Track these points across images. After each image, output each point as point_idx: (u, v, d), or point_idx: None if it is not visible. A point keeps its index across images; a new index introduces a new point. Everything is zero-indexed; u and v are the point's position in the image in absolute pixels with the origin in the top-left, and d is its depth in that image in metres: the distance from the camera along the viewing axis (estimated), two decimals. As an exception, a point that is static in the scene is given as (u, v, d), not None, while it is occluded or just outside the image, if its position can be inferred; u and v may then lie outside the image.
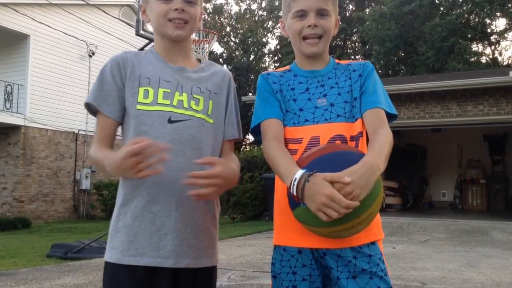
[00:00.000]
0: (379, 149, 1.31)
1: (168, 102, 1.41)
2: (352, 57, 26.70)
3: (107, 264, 1.40)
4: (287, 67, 1.57)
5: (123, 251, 1.36)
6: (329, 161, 1.24)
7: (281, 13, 1.56)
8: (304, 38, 1.45)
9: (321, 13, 1.43)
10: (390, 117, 1.47)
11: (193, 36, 7.35)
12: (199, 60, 1.59)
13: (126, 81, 1.43)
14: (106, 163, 1.33)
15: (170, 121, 1.39)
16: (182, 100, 1.42)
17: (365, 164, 1.22)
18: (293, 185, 1.22)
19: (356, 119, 1.43)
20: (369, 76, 1.47)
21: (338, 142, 1.39)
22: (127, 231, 1.37)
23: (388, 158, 1.32)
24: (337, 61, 1.55)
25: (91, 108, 1.49)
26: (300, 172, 1.23)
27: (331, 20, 1.45)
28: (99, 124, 1.48)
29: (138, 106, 1.41)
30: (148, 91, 1.42)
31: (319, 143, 1.39)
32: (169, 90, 1.42)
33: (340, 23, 1.59)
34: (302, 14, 1.44)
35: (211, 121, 1.46)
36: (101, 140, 1.47)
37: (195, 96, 1.45)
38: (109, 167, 1.31)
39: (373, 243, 1.39)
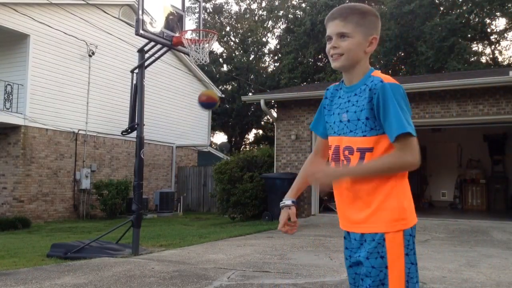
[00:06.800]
0: (361, 164, 1.66)
1: None
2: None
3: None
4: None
5: None
6: None
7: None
8: (331, 55, 1.73)
9: (342, 35, 1.69)
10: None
11: (193, 35, 7.34)
12: None
13: None
14: None
15: None
16: None
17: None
18: (281, 203, 1.89)
19: (365, 136, 1.66)
20: (380, 99, 1.62)
21: (346, 152, 1.72)
22: None
23: (372, 172, 1.62)
24: (373, 73, 1.71)
25: None
26: (286, 201, 1.89)
27: (352, 41, 1.68)
28: None
29: None
30: None
31: (339, 151, 1.75)
32: None
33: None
34: (329, 38, 1.74)
35: None
36: None
37: None
38: None
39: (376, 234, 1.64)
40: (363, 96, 1.67)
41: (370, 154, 1.65)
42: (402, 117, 1.56)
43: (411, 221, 1.66)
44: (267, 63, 32.86)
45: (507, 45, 29.03)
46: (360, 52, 1.70)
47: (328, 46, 1.74)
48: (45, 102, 13.27)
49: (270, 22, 32.39)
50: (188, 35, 6.89)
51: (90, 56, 14.60)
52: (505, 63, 22.41)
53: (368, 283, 1.61)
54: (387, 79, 1.65)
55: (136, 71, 6.60)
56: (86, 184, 14.21)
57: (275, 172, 11.50)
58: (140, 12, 6.20)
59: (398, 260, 1.60)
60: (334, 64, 1.73)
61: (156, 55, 6.94)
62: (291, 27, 26.29)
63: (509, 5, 19.34)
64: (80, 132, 14.30)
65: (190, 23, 30.27)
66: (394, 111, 1.57)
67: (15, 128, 12.74)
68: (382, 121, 1.61)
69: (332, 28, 1.71)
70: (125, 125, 7.30)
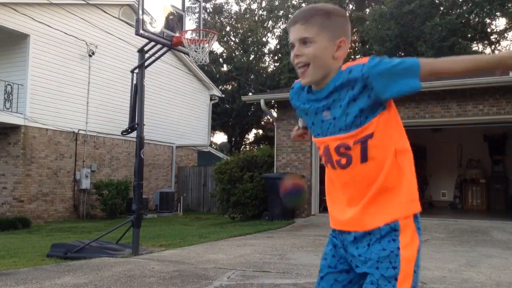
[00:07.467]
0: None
1: None
2: (352, 57, 26.66)
3: None
4: None
5: None
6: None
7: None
8: (296, 65, 1.54)
9: (304, 41, 1.50)
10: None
11: (193, 35, 7.35)
12: None
13: None
14: None
15: None
16: None
17: None
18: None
19: (362, 125, 1.48)
20: (375, 74, 1.42)
21: (342, 149, 1.53)
22: None
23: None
24: (343, 67, 1.51)
25: None
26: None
27: (316, 46, 1.48)
28: None
29: None
30: None
31: (330, 151, 1.56)
32: None
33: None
34: (292, 46, 1.54)
35: None
36: None
37: None
38: None
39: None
40: (347, 88, 1.47)
41: (371, 140, 1.48)
42: (402, 59, 1.43)
43: (419, 205, 1.59)
44: (267, 63, 32.86)
45: (507, 45, 28.97)
46: (327, 58, 1.49)
47: (291, 54, 1.54)
48: (45, 102, 13.27)
49: (270, 22, 32.37)
50: (188, 35, 6.89)
51: (90, 56, 14.60)
52: (505, 63, 22.39)
53: (376, 277, 1.50)
54: (363, 60, 1.47)
55: (136, 71, 6.60)
56: (86, 184, 14.21)
57: (275, 172, 11.49)
58: (140, 12, 6.20)
59: (411, 262, 1.57)
60: (303, 81, 1.55)
61: (156, 55, 6.94)
62: (291, 27, 26.25)
63: (509, 5, 19.34)
64: (80, 132, 14.31)
65: (190, 23, 30.26)
66: (395, 64, 1.41)
67: (15, 128, 12.74)
68: (396, 83, 1.41)
69: (293, 34, 1.52)
70: (125, 125, 7.30)
